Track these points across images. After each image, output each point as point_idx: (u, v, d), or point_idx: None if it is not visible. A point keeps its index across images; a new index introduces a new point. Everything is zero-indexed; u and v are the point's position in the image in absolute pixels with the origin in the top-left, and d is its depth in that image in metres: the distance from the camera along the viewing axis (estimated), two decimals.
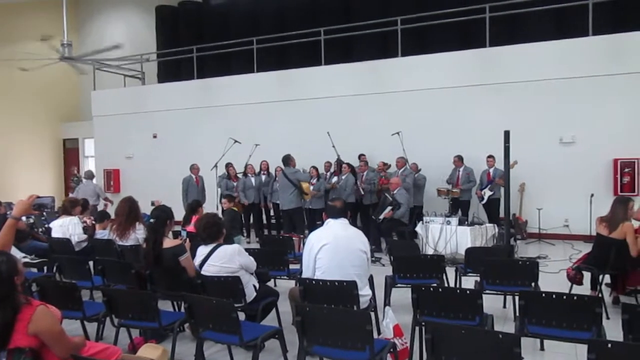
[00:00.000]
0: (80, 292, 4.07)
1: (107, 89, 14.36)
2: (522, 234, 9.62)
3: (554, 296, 3.25)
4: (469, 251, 5.53)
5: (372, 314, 3.95)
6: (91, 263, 5.27)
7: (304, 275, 3.96)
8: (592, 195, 9.22)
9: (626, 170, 9.24)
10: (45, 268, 6.26)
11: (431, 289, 3.60)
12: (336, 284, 3.66)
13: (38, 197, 4.01)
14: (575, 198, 9.48)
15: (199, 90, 12.90)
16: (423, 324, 3.59)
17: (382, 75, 11.01)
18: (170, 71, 14.77)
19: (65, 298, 3.94)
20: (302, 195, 8.72)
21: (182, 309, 4.79)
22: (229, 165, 10.44)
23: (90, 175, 11.00)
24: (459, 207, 9.33)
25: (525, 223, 9.77)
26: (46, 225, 6.71)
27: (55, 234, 6.13)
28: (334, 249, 3.79)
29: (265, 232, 10.48)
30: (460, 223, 7.84)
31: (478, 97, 10.16)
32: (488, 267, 4.60)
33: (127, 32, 16.24)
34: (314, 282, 3.76)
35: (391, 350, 3.20)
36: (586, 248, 8.33)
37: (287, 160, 8.78)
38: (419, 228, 8.24)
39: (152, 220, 4.46)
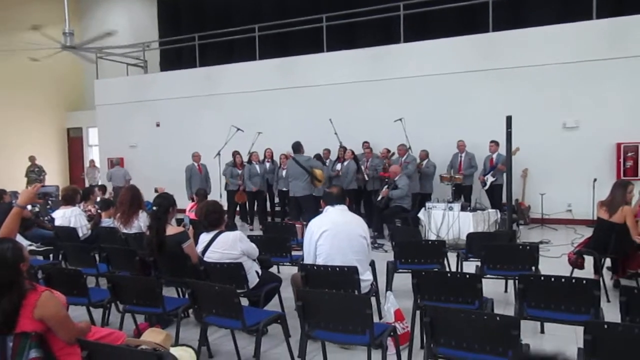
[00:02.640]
0: (86, 278, 4.14)
1: (110, 78, 14.38)
2: (525, 219, 9.64)
3: (552, 279, 3.28)
4: (470, 236, 5.56)
5: (374, 298, 4.01)
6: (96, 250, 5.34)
7: (305, 262, 4.01)
8: (595, 180, 9.20)
9: (629, 154, 9.22)
10: (51, 256, 6.33)
11: (431, 273, 3.64)
12: (337, 269, 3.70)
13: (43, 186, 4.08)
14: (578, 183, 9.48)
15: (201, 78, 12.89)
16: (423, 308, 3.64)
17: (384, 61, 10.96)
18: (172, 59, 14.75)
19: (70, 285, 4.00)
20: (314, 182, 8.71)
21: (187, 295, 4.87)
22: (235, 153, 10.49)
23: (118, 162, 12.41)
24: (461, 193, 9.34)
25: (528, 208, 9.79)
26: (51, 215, 6.76)
27: (57, 224, 6.18)
28: (333, 235, 3.83)
29: (269, 219, 10.52)
30: (463, 209, 7.86)
31: (481, 82, 10.11)
32: (489, 251, 4.63)
33: (129, 20, 16.21)
34: (315, 267, 3.81)
35: (391, 334, 3.24)
36: (589, 233, 8.31)
37: (298, 147, 8.69)
38: (421, 214, 8.26)
39: (154, 208, 4.50)
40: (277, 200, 10.77)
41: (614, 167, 9.36)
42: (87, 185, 13.14)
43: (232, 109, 12.19)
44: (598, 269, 5.32)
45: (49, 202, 9.08)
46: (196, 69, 13.14)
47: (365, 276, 3.89)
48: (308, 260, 3.97)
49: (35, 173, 13.17)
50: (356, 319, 3.00)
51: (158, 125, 13.49)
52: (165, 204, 4.46)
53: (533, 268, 4.44)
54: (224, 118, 11.78)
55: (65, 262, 5.62)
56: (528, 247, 4.50)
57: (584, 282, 3.22)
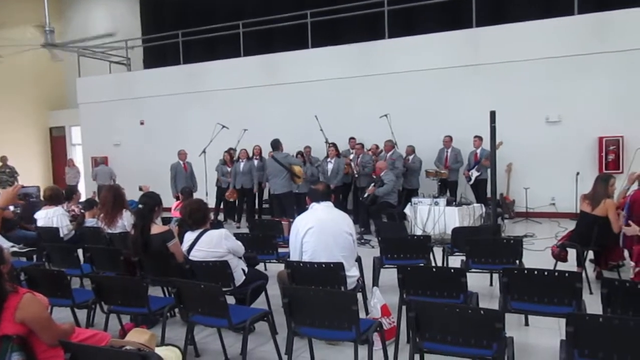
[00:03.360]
0: (69, 279, 4.09)
1: (93, 76, 14.21)
2: (510, 213, 9.74)
3: (535, 272, 3.32)
4: (455, 231, 5.59)
5: (360, 294, 4.02)
6: (80, 251, 5.28)
7: (291, 259, 4.00)
8: (577, 173, 9.33)
9: (611, 148, 9.35)
10: (34, 257, 6.25)
11: (417, 268, 3.66)
12: (323, 265, 3.70)
13: (23, 186, 4.02)
14: (562, 177, 9.60)
15: (185, 76, 12.79)
16: (409, 303, 3.66)
17: (369, 57, 10.97)
18: (156, 57, 14.60)
19: (54, 286, 3.95)
20: (293, 179, 8.69)
21: (172, 295, 4.84)
22: (226, 151, 10.43)
23: (103, 161, 12.69)
24: (447, 188, 9.40)
25: (512, 202, 9.89)
26: (33, 216, 6.66)
27: (40, 224, 6.10)
28: (319, 232, 3.83)
29: (257, 217, 10.49)
30: (448, 204, 7.90)
31: (465, 77, 10.18)
32: (473, 246, 4.66)
33: (111, 17, 16.01)
34: (301, 264, 3.80)
35: (378, 329, 3.25)
36: (572, 226, 8.44)
37: (277, 144, 8.69)
38: (407, 209, 8.29)
39: (140, 206, 4.46)
40: (265, 197, 10.72)
41: (596, 161, 9.49)
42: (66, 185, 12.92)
43: (217, 106, 12.13)
44: (581, 261, 5.39)
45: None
46: (180, 66, 13.04)
47: (352, 272, 3.89)
48: (294, 257, 3.97)
49: (6, 174, 12.84)
50: (342, 315, 3.00)
51: (142, 123, 13.37)
52: (150, 202, 4.42)
53: (517, 261, 4.48)
54: (209, 115, 11.71)
55: (49, 263, 5.55)
56: (512, 241, 4.55)
57: (566, 274, 3.26)
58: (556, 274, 3.29)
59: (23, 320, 2.46)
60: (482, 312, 2.63)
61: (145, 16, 15.17)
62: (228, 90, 12.21)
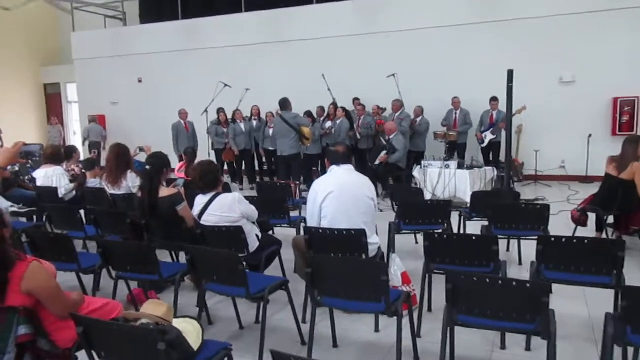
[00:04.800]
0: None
1: (87, 31, 13.65)
2: (519, 176, 9.54)
3: (575, 240, 3.12)
4: (474, 195, 5.39)
5: None
6: (82, 212, 5.06)
7: (309, 224, 3.79)
8: (590, 135, 9.10)
9: (626, 109, 9.07)
10: (34, 217, 6.04)
11: (445, 235, 3.46)
12: (344, 232, 3.49)
13: (25, 144, 3.77)
14: (573, 139, 9.37)
15: (184, 32, 12.30)
16: (435, 271, 3.47)
17: (376, 13, 10.52)
18: (152, 11, 13.94)
19: (58, 250, 3.75)
20: (302, 140, 8.36)
21: (181, 260, 4.65)
22: (220, 111, 10.06)
23: (94, 119, 12.64)
24: (455, 151, 9.16)
25: (521, 165, 9.67)
26: (32, 175, 6.41)
27: (39, 184, 5.87)
28: (340, 197, 3.59)
29: (258, 179, 10.25)
30: (459, 167, 7.67)
31: (476, 36, 9.79)
32: (496, 211, 4.45)
33: None
34: (320, 230, 3.59)
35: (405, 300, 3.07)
36: (582, 189, 8.30)
37: (285, 103, 8.21)
38: (416, 172, 8.07)
39: (147, 167, 4.21)
40: (264, 159, 10.43)
41: (609, 123, 9.25)
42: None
43: (217, 64, 11.71)
44: (602, 226, 5.22)
45: (30, 161, 8.66)
46: (179, 22, 12.52)
47: (373, 239, 3.67)
48: (312, 222, 3.75)
49: None
50: (371, 285, 2.80)
51: (140, 81, 12.94)
52: (158, 163, 4.18)
53: (542, 228, 4.27)
54: (210, 73, 11.30)
55: (50, 225, 5.34)
56: (538, 207, 4.32)
57: (608, 243, 3.06)
58: (596, 242, 3.09)
59: (30, 291, 2.26)
60: (528, 285, 2.44)
61: None
62: (228, 48, 11.77)
